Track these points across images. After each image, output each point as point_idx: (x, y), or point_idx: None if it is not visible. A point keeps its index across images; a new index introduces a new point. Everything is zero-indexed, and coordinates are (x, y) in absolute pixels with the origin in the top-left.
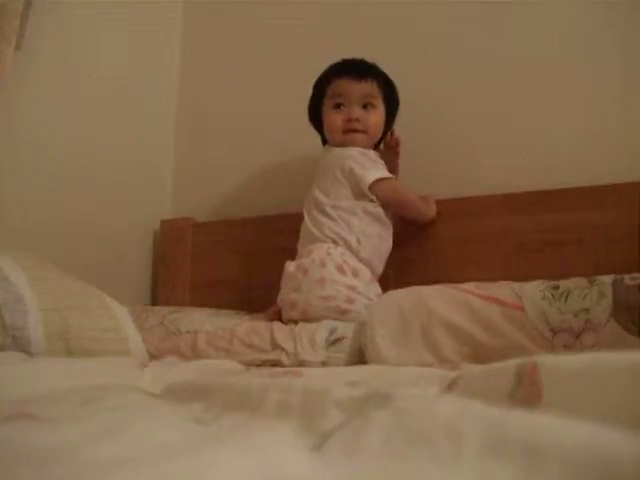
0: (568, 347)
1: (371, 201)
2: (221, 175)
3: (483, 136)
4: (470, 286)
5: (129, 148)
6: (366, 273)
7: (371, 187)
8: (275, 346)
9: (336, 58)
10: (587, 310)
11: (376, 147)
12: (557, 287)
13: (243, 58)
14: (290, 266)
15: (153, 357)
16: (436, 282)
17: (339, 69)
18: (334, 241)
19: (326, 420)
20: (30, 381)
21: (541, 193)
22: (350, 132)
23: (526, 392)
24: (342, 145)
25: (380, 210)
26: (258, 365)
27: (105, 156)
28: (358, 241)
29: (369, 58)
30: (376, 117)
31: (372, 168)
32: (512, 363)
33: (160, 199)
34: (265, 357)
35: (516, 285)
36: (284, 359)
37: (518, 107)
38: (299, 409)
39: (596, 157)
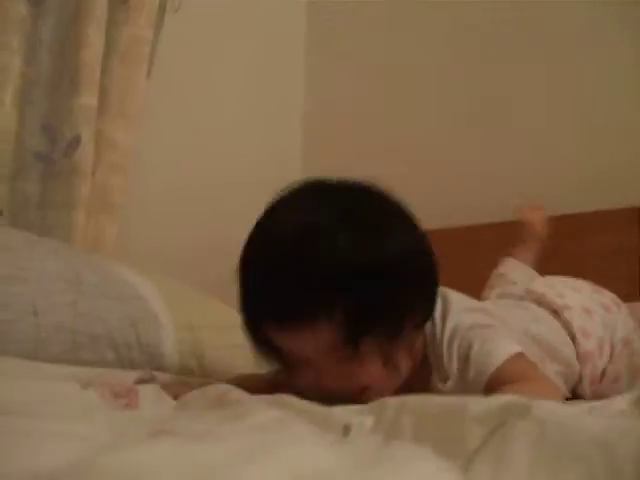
0: None
1: None
2: None
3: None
4: None
5: (256, 172)
6: None
7: None
8: None
9: None
10: None
11: None
12: None
13: (372, 70)
14: None
15: None
16: None
17: None
18: None
19: (469, 440)
20: None
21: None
22: None
23: None
24: None
25: None
26: None
27: (234, 180)
28: None
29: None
30: None
31: None
32: None
33: None
34: None
35: None
36: None
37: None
38: (437, 431)
39: None
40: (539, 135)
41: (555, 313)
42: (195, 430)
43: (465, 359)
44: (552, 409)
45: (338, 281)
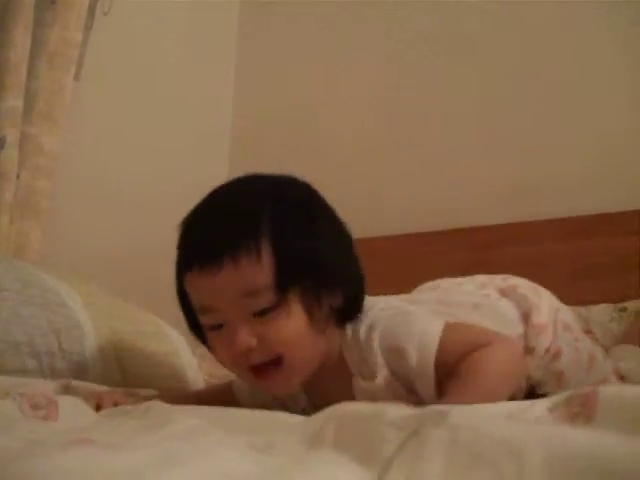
0: None
1: None
2: None
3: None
4: None
5: (184, 177)
6: None
7: None
8: None
9: None
10: None
11: None
12: (625, 309)
13: (306, 72)
14: None
15: (207, 383)
16: None
17: None
18: None
19: (385, 445)
20: None
21: (598, 216)
22: None
23: (573, 411)
24: None
25: None
26: None
27: (161, 185)
28: None
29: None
30: None
31: None
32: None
33: None
34: None
35: (581, 310)
36: None
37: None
38: (355, 437)
39: None
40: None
41: (503, 294)
42: (112, 440)
43: (395, 349)
44: (468, 415)
45: (262, 217)
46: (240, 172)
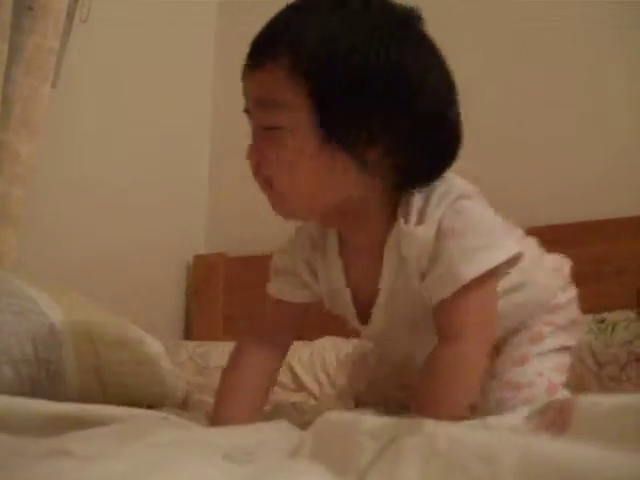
0: (614, 379)
1: None
2: (254, 210)
3: (519, 168)
4: None
5: (163, 184)
6: None
7: None
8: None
9: None
10: (630, 342)
11: None
12: (603, 320)
13: None
14: None
15: (187, 392)
16: None
17: None
18: None
19: (361, 454)
20: None
21: (579, 225)
22: None
23: (549, 419)
24: None
25: None
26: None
27: (139, 192)
28: None
29: None
30: None
31: None
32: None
33: (193, 234)
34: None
35: None
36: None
37: (552, 139)
38: (332, 446)
39: (632, 187)
40: None
41: None
42: (90, 451)
43: (454, 229)
44: (443, 424)
45: (308, 25)
46: (221, 178)
